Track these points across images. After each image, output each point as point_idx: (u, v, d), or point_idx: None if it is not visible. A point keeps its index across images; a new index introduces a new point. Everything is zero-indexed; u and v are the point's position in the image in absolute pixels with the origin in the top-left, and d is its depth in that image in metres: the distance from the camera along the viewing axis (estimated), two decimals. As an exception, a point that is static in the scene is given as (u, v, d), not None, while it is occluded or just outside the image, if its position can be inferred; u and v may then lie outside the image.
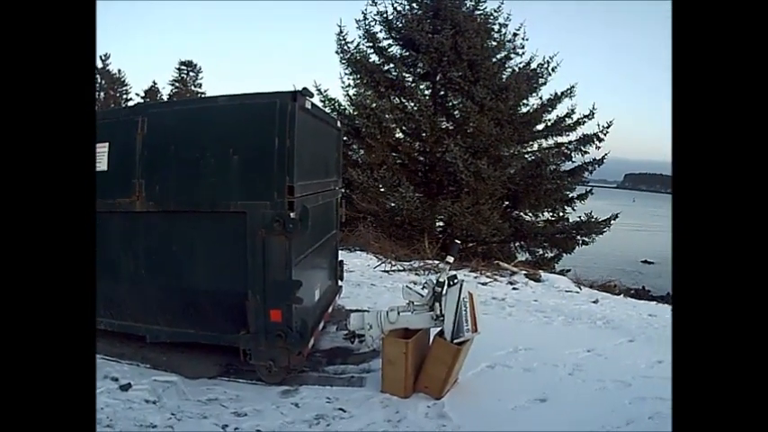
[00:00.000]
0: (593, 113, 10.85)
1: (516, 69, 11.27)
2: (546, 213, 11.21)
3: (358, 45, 11.31)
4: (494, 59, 11.11)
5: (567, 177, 10.98)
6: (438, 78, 11.07)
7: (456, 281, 3.10)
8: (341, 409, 2.93)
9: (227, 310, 3.15)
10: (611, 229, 10.76)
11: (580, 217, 10.76)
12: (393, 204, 10.26)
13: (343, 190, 5.02)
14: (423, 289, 3.22)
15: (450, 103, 11.26)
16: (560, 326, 4.95)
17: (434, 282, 3.13)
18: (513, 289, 6.65)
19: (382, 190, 10.36)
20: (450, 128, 11.08)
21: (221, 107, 3.24)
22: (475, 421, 2.83)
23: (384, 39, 11.44)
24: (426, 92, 11.31)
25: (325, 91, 11.28)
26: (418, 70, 11.23)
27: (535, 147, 11.40)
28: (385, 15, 11.27)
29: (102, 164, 3.24)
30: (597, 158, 11.04)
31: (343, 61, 11.28)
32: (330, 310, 4.14)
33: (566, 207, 11.20)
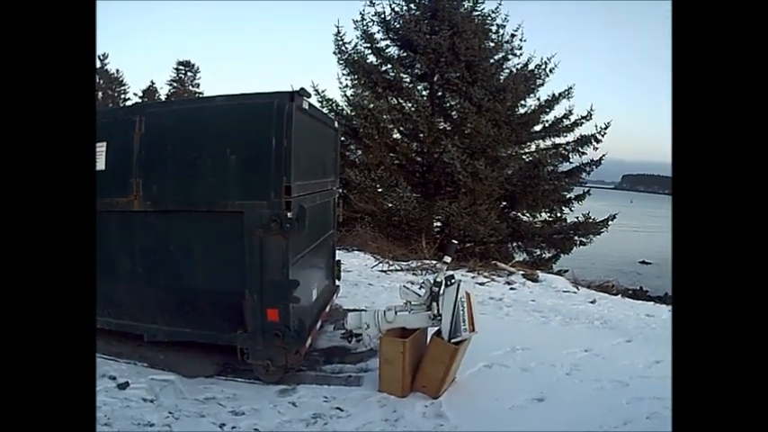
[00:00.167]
0: (591, 114, 10.94)
1: (514, 70, 11.30)
2: (543, 214, 11.25)
3: (356, 46, 11.34)
4: (491, 60, 11.13)
5: (565, 178, 11.02)
6: (435, 79, 11.08)
7: (453, 281, 3.10)
8: (338, 408, 2.93)
9: (225, 310, 3.15)
10: (608, 229, 10.81)
11: (578, 217, 10.78)
12: (390, 204, 10.27)
13: (340, 190, 5.02)
14: (420, 289, 3.22)
15: (448, 104, 11.29)
16: (558, 326, 4.95)
17: (432, 281, 3.14)
18: (511, 289, 6.65)
19: (380, 190, 10.37)
20: (448, 128, 11.11)
21: (219, 107, 3.24)
22: (472, 421, 2.83)
23: (382, 39, 11.47)
24: (424, 92, 11.32)
25: (323, 91, 11.31)
26: (416, 71, 11.24)
27: (533, 147, 11.46)
28: (383, 16, 11.30)
29: (99, 163, 3.23)
30: (595, 159, 11.14)
31: (341, 62, 11.30)
32: (328, 309, 4.13)
33: (563, 208, 11.23)
